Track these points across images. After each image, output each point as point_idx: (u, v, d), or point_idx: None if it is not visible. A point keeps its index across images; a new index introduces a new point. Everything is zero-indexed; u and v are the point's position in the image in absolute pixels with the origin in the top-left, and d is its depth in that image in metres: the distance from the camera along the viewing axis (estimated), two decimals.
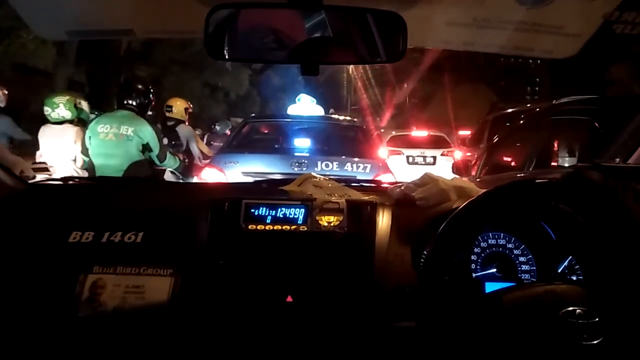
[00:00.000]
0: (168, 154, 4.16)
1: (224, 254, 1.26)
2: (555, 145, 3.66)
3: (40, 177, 2.77)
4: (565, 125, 3.78)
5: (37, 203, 1.46)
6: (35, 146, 4.71)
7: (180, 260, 1.25)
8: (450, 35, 1.71)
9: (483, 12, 1.59)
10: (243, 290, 1.22)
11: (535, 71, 22.34)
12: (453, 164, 4.93)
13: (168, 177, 4.38)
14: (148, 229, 1.31)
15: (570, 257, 1.24)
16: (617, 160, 2.44)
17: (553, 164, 3.59)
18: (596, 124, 3.50)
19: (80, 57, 12.42)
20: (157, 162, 4.08)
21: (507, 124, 5.72)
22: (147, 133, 3.91)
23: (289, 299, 1.21)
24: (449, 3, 1.58)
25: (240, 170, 4.39)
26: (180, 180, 4.33)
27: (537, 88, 23.93)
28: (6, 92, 5.54)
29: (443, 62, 18.76)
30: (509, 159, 4.27)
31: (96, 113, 6.12)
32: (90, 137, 3.88)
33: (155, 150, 3.99)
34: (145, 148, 3.94)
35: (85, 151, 3.96)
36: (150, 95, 4.17)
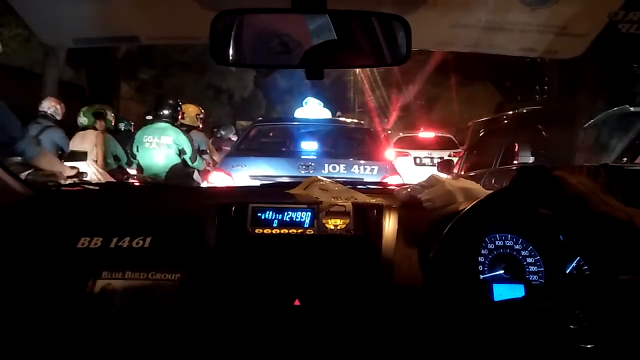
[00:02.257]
0: (198, 157, 5.17)
1: (231, 258, 1.27)
2: (516, 146, 4.73)
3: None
4: (522, 129, 5.02)
5: (45, 209, 1.47)
6: None
7: (188, 264, 1.25)
8: (455, 37, 1.71)
9: (487, 13, 1.59)
10: (250, 294, 1.22)
11: (545, 70, 22.16)
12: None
13: (196, 176, 5.30)
14: (156, 233, 1.31)
15: (579, 257, 1.24)
16: (625, 159, 2.46)
17: (515, 161, 4.62)
18: (540, 128, 4.73)
19: (79, 59, 11.90)
20: (190, 164, 5.07)
21: (482, 130, 6.98)
22: (182, 140, 4.97)
23: (297, 302, 1.22)
24: (453, 5, 1.58)
25: (248, 173, 4.52)
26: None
27: (546, 87, 23.71)
28: (62, 106, 5.85)
29: (450, 63, 18.70)
30: (481, 159, 5.40)
31: (125, 122, 6.66)
32: (137, 145, 4.98)
33: (189, 153, 5.00)
34: (181, 152, 4.98)
35: (133, 156, 5.09)
36: (179, 108, 5.21)
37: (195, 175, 5.27)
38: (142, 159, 4.99)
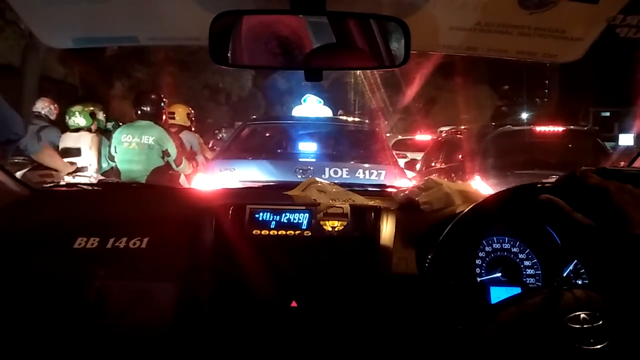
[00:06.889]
0: (183, 159, 4.48)
1: (229, 258, 1.27)
2: (446, 153, 6.71)
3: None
4: (451, 142, 6.82)
5: (42, 209, 1.47)
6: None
7: (185, 265, 1.25)
8: (454, 40, 1.71)
9: (486, 16, 1.59)
10: (247, 296, 1.22)
11: (545, 74, 22.16)
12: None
13: (183, 181, 4.68)
14: (153, 234, 1.31)
15: (576, 261, 1.24)
16: (622, 163, 2.46)
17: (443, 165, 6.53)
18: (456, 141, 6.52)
19: (72, 57, 11.43)
20: (174, 167, 4.42)
21: (437, 139, 8.72)
22: (166, 140, 4.31)
23: (294, 304, 1.22)
24: (452, 8, 1.58)
25: (238, 178, 4.05)
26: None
27: (546, 90, 23.71)
28: (56, 106, 5.76)
29: (449, 66, 18.73)
30: (430, 160, 7.35)
31: (113, 122, 6.56)
32: (115, 146, 4.32)
33: (173, 155, 4.33)
34: (165, 154, 4.31)
35: (111, 157, 4.42)
36: (162, 104, 4.53)
37: (182, 180, 4.69)
38: (120, 161, 4.35)
